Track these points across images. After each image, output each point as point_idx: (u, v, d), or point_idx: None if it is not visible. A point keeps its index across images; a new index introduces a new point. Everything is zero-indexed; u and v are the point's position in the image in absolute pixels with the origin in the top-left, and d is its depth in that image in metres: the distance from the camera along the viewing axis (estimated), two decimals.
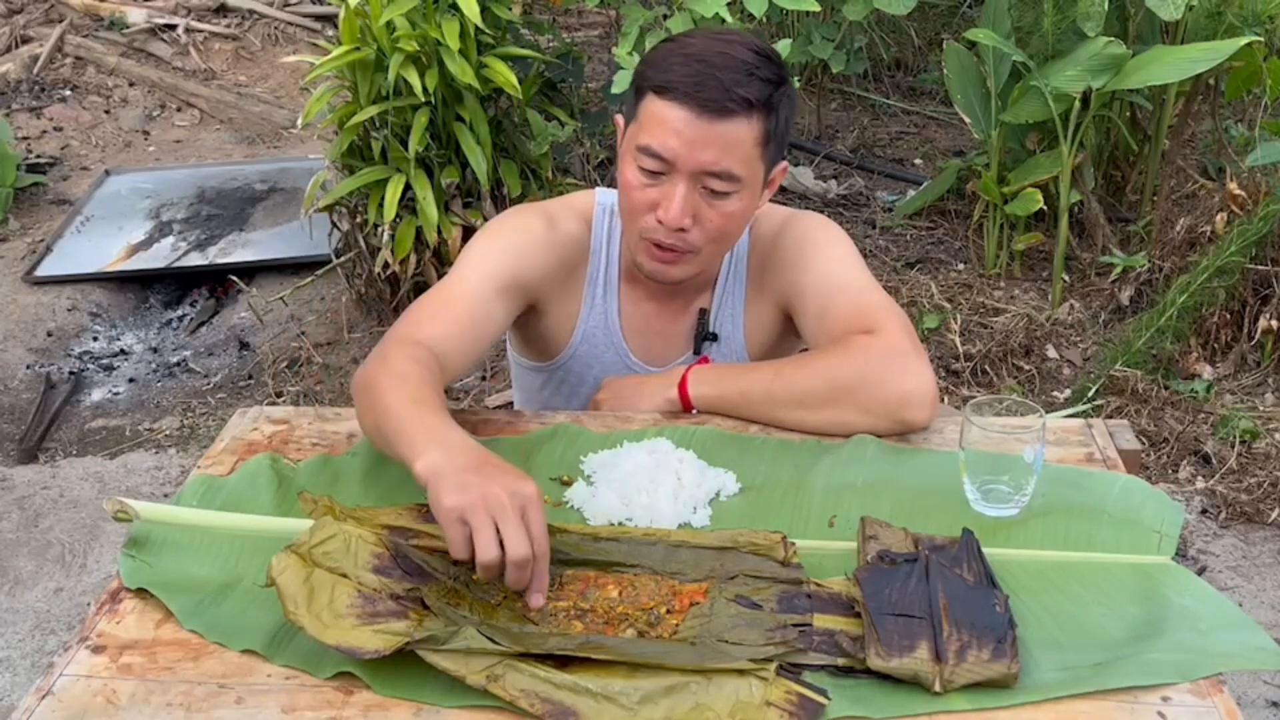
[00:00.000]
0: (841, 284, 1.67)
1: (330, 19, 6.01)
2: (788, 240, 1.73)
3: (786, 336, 1.81)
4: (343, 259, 3.74)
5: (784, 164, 1.67)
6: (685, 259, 1.63)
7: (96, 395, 3.66)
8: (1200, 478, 3.03)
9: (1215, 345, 3.42)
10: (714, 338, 1.77)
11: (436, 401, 1.43)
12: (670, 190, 1.56)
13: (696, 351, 1.77)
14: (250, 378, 3.65)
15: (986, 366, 3.46)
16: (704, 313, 1.77)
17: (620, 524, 1.41)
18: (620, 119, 1.66)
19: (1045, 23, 3.56)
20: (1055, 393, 3.40)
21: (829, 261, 1.70)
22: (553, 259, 1.71)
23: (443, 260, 3.48)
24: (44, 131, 5.26)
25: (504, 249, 1.68)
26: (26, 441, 3.37)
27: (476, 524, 1.20)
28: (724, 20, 3.30)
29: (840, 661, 1.18)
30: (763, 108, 1.54)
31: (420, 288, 3.42)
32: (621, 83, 3.34)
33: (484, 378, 3.53)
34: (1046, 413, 1.49)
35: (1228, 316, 3.40)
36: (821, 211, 4.37)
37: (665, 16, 3.42)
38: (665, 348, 1.78)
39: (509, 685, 1.12)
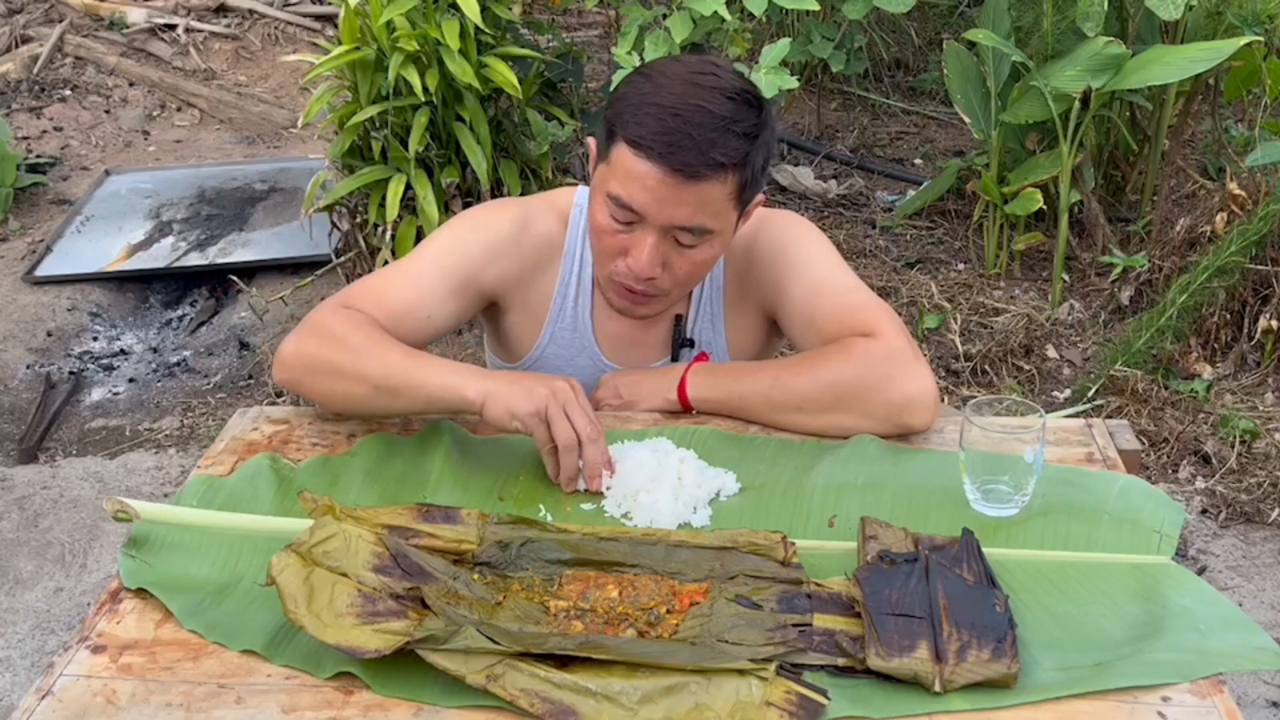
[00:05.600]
0: (826, 286, 1.66)
1: (330, 19, 6.01)
2: (765, 243, 1.70)
3: (770, 339, 1.80)
4: (343, 259, 3.74)
5: (760, 196, 1.62)
6: (653, 300, 1.62)
7: (96, 395, 3.66)
8: (1200, 478, 3.03)
9: (1215, 345, 3.42)
10: (690, 344, 1.75)
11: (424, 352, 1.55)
12: (640, 239, 1.54)
13: (674, 358, 1.75)
14: (250, 378, 3.65)
15: (986, 366, 3.46)
16: (680, 319, 1.75)
17: (621, 516, 1.42)
18: (593, 144, 1.61)
19: (1045, 23, 3.57)
20: (1055, 393, 3.40)
21: (810, 264, 1.68)
22: (518, 260, 1.70)
23: None
24: (44, 131, 5.26)
25: (468, 246, 1.67)
26: (26, 441, 3.37)
27: (554, 416, 1.42)
28: (723, 19, 3.30)
29: (840, 661, 1.18)
30: (736, 166, 1.50)
31: None
32: (620, 84, 3.33)
33: None
34: (1046, 413, 1.49)
35: (1228, 316, 3.40)
36: (821, 212, 4.38)
37: (664, 16, 3.42)
38: (641, 354, 1.76)
39: (509, 685, 1.12)
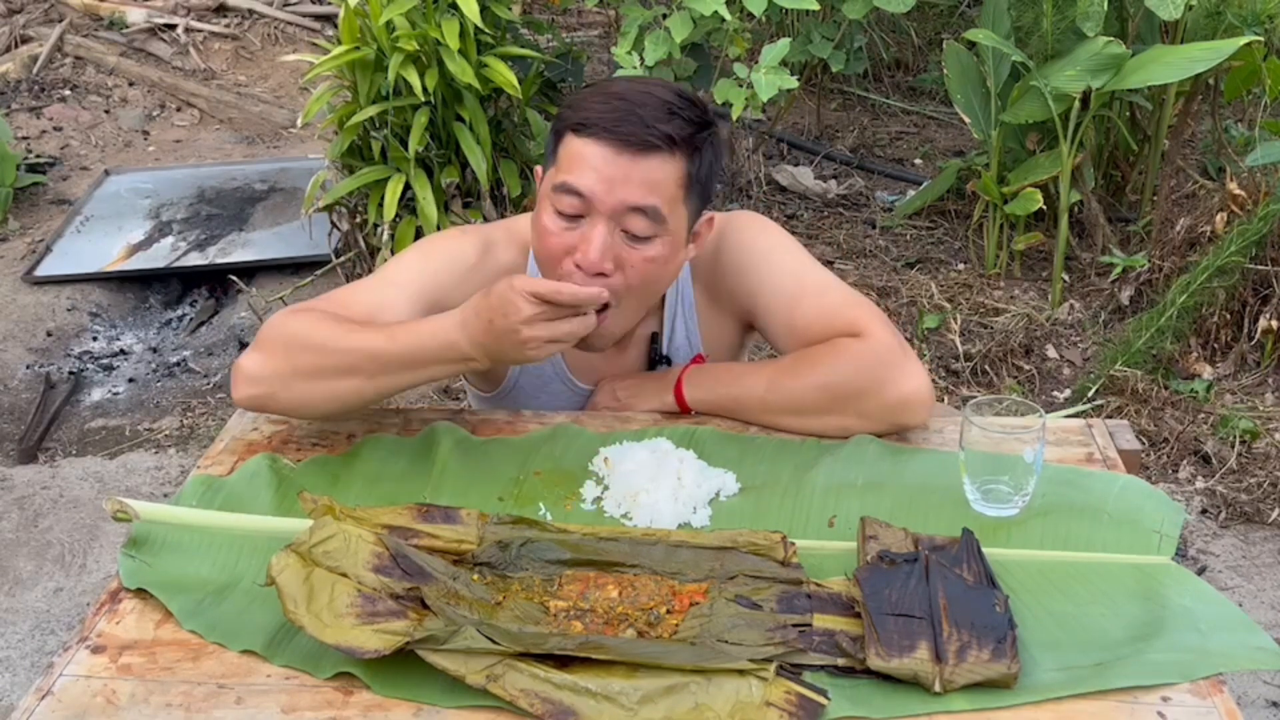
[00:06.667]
0: (801, 287, 1.64)
1: (330, 19, 6.01)
2: (730, 247, 1.67)
3: (743, 339, 1.79)
4: (343, 259, 3.74)
5: (710, 215, 1.60)
6: (608, 313, 1.51)
7: (96, 395, 3.66)
8: (1200, 478, 3.03)
9: (1215, 345, 3.42)
10: (667, 361, 1.72)
11: (377, 325, 1.51)
12: (589, 232, 1.48)
13: None
14: None
15: (986, 366, 3.46)
16: (655, 337, 1.72)
17: (621, 516, 1.42)
18: (539, 170, 1.60)
19: (1045, 23, 3.56)
20: (1055, 393, 3.40)
21: (780, 265, 1.65)
22: (480, 287, 1.60)
23: None
24: (44, 131, 5.26)
25: (430, 272, 1.62)
26: (26, 441, 3.37)
27: (544, 337, 1.39)
28: (723, 19, 3.30)
29: (840, 661, 1.18)
30: (685, 146, 1.49)
31: None
32: None
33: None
34: (1046, 413, 1.49)
35: (1228, 316, 3.40)
36: (821, 212, 4.38)
37: (664, 16, 3.42)
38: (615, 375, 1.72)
39: (509, 685, 1.12)
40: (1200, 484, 3.01)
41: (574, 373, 1.73)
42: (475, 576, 1.29)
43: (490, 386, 1.77)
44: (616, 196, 1.48)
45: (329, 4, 6.05)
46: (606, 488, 1.46)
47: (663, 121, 1.47)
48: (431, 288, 1.61)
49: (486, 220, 3.41)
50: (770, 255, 1.66)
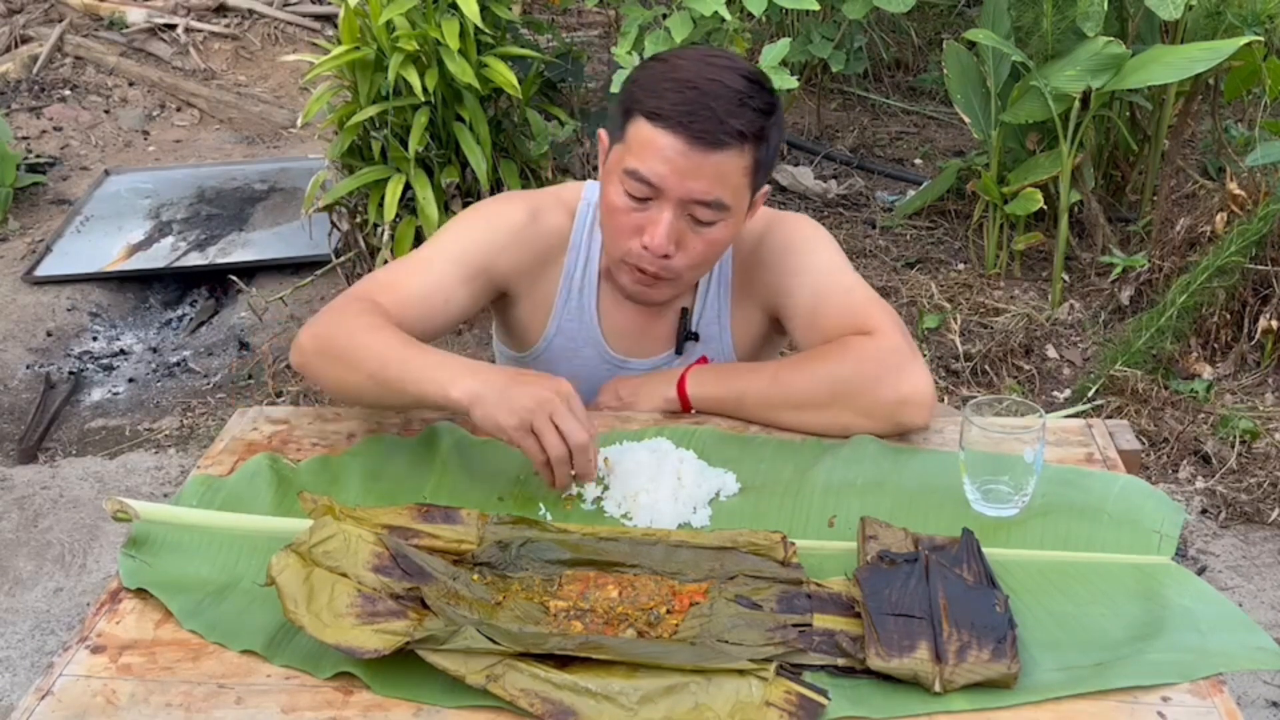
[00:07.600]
0: (830, 287, 1.66)
1: (330, 19, 6.01)
2: (773, 244, 1.71)
3: (771, 338, 1.81)
4: (343, 259, 3.74)
5: (766, 187, 1.64)
6: (664, 284, 1.62)
7: (96, 395, 3.66)
8: (1200, 478, 3.03)
9: (1215, 345, 3.42)
10: (695, 337, 1.76)
11: (426, 345, 1.53)
12: (656, 216, 1.54)
13: (678, 351, 1.76)
14: (250, 378, 3.65)
15: (986, 366, 3.46)
16: (685, 312, 1.75)
17: (621, 516, 1.42)
18: (604, 135, 1.63)
19: (1045, 23, 3.56)
20: (1055, 393, 3.40)
21: (815, 266, 1.69)
22: (528, 251, 1.70)
23: None
24: (44, 131, 5.26)
25: (479, 236, 1.68)
26: (26, 441, 3.37)
27: (541, 429, 1.38)
28: (723, 19, 3.30)
29: (840, 661, 1.18)
30: (754, 139, 1.52)
31: None
32: (620, 83, 3.33)
33: None
34: (1046, 413, 1.49)
35: (1228, 316, 3.40)
36: (821, 211, 4.38)
37: (664, 16, 3.42)
38: (646, 345, 1.77)
39: (509, 685, 1.12)
40: (1200, 484, 3.01)
41: (607, 338, 1.76)
42: (475, 576, 1.29)
43: (522, 346, 1.80)
44: (686, 187, 1.52)
45: (329, 4, 6.05)
46: (606, 488, 1.46)
47: (735, 116, 1.50)
48: (477, 254, 1.66)
49: None
50: (810, 254, 1.70)
